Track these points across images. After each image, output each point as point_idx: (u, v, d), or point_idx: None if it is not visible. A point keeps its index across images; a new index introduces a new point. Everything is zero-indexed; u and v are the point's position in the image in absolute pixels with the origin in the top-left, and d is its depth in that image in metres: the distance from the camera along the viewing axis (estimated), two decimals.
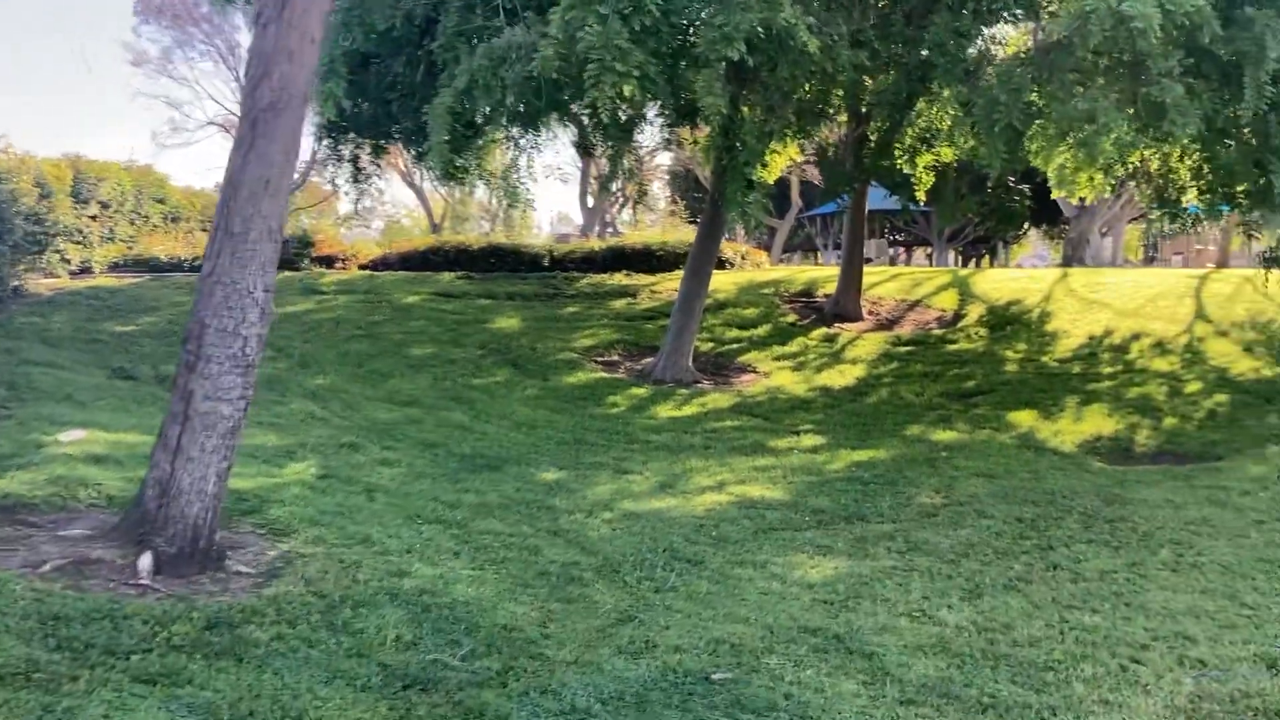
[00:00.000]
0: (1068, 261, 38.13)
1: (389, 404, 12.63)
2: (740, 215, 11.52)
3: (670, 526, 8.03)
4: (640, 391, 14.62)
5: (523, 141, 11.12)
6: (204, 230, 24.81)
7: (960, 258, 57.82)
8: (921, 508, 8.90)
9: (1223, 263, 34.64)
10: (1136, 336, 19.61)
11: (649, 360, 16.46)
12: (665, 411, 13.58)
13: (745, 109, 11.38)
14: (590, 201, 44.55)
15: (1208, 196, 15.54)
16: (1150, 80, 9.11)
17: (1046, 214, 51.90)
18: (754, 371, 16.81)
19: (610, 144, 11.38)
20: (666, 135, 12.66)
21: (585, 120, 11.71)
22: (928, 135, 14.96)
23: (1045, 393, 15.42)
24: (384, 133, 13.45)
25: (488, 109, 10.52)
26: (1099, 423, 13.60)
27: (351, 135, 13.13)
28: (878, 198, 47.55)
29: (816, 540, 7.75)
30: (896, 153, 16.72)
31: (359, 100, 12.54)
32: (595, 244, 24.90)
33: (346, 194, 16.47)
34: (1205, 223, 19.98)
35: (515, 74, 9.92)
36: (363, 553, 6.41)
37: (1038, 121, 9.60)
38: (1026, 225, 61.00)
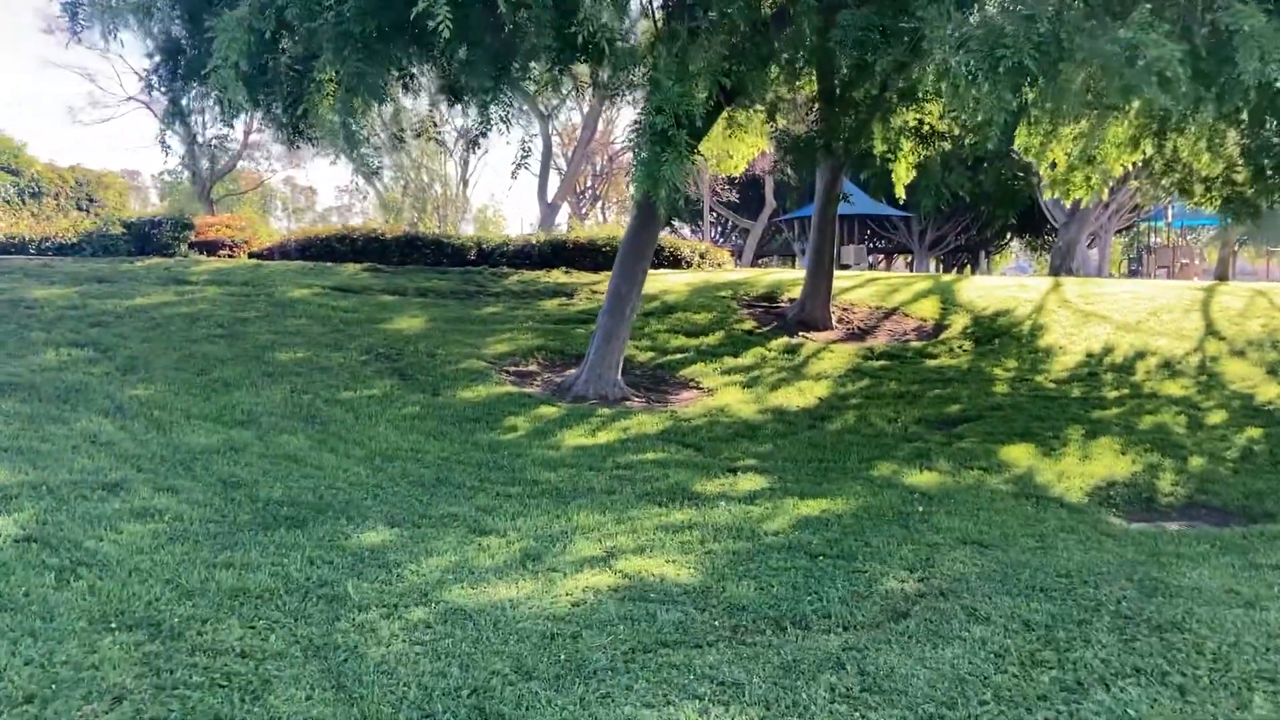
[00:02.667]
0: (1055, 271, 35.75)
1: (214, 424, 9.84)
2: (651, 187, 8.81)
3: (505, 639, 5.29)
4: (550, 411, 11.87)
5: (362, 82, 8.37)
6: (80, 210, 21.96)
7: (941, 266, 55.56)
8: (887, 601, 6.19)
9: (1223, 275, 32.25)
10: (1141, 354, 17.06)
11: (572, 372, 13.74)
12: (573, 438, 10.83)
13: (658, 41, 8.74)
14: (550, 195, 41.78)
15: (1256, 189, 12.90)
16: (1217, 3, 6.56)
17: (1030, 223, 50.00)
18: (696, 388, 14.10)
19: (480, 85, 8.68)
20: (553, 76, 9.89)
21: (442, 51, 9.01)
22: (909, 92, 12.23)
23: (1042, 421, 12.79)
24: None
25: (305, 27, 7.80)
26: (1110, 462, 10.96)
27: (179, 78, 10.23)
28: (862, 205, 45.43)
29: (722, 670, 5.01)
30: (861, 115, 13.93)
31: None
32: (534, 237, 22.13)
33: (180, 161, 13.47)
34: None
35: None
36: None
37: (1065, 57, 6.90)
38: (1009, 235, 59.28)
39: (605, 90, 10.67)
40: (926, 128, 15.56)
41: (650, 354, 15.51)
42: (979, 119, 8.73)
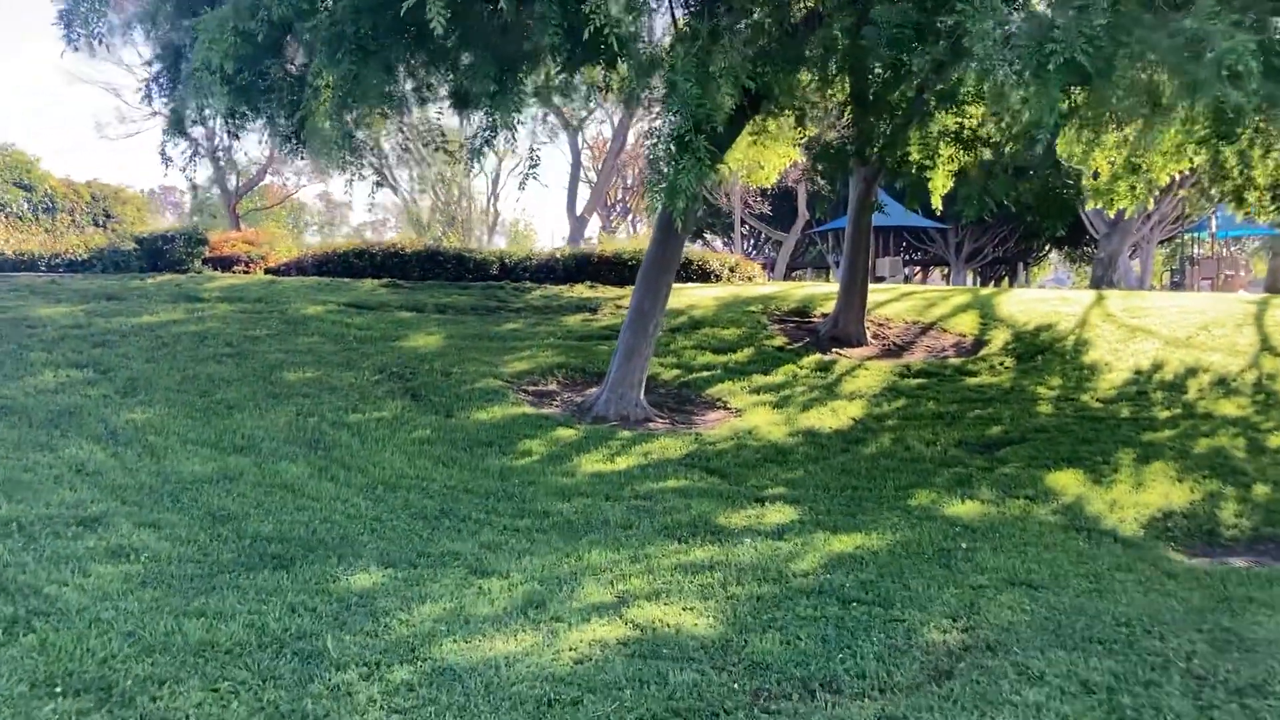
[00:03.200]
0: (1097, 284, 34.82)
1: (211, 450, 9.33)
2: (668, 198, 8.16)
3: (496, 706, 4.68)
4: (568, 433, 11.27)
5: (357, 86, 7.80)
6: (97, 226, 21.62)
7: (978, 279, 54.57)
8: (928, 658, 5.53)
9: (1274, 287, 31.18)
10: (1193, 371, 16.23)
11: (593, 391, 13.15)
12: (590, 464, 10.23)
13: (677, 42, 8.13)
14: (579, 209, 41.30)
15: None
16: None
17: (1069, 233, 48.91)
18: (724, 408, 13.47)
19: (487, 90, 8.09)
20: (566, 80, 9.26)
21: (443, 54, 8.43)
22: (948, 94, 11.49)
23: (1090, 444, 12.05)
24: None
25: (299, 29, 7.27)
26: (1166, 490, 10.23)
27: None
28: (897, 216, 44.60)
29: None
30: (897, 119, 13.21)
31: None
32: (559, 251, 21.59)
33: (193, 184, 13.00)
34: None
35: None
36: None
37: (1122, 51, 6.22)
38: (1048, 246, 58.20)
39: (620, 94, 10.07)
40: (967, 132, 14.84)
41: (676, 372, 14.90)
42: (1025, 121, 8.05)
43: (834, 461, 10.94)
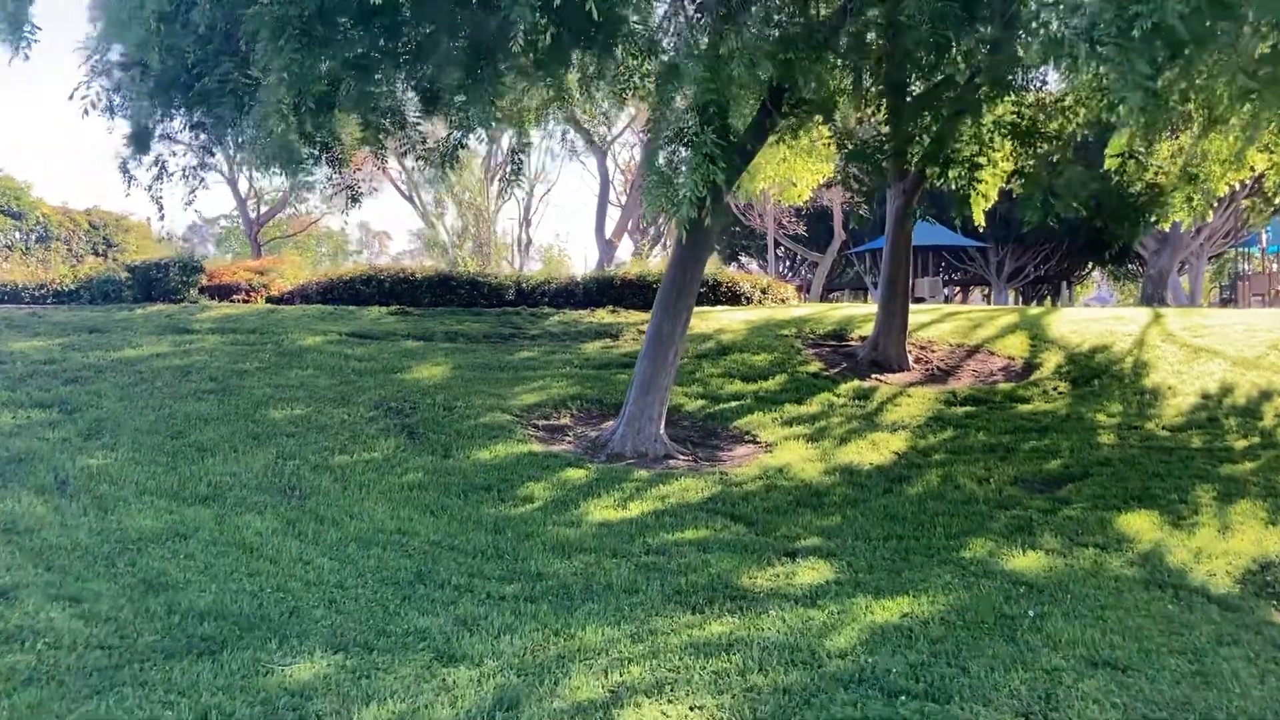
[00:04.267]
0: (1148, 301, 33.35)
1: (169, 500, 8.27)
2: (667, 202, 7.01)
3: None
4: (576, 475, 10.13)
5: (300, 79, 6.71)
6: (97, 256, 20.75)
7: (1020, 298, 53.05)
8: None
9: None
10: (1267, 395, 14.85)
11: (610, 425, 12.00)
12: (599, 511, 9.07)
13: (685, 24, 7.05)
14: (608, 232, 40.28)
15: None
16: None
17: (1115, 251, 47.36)
18: (753, 441, 12.29)
19: (457, 80, 7.04)
20: (552, 74, 8.11)
21: (402, 40, 7.35)
22: (1000, 80, 10.15)
23: (1162, 479, 10.76)
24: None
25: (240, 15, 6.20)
26: (1259, 535, 8.92)
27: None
28: (936, 235, 43.28)
29: None
30: (941, 110, 11.89)
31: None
32: (580, 275, 20.51)
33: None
34: None
35: None
36: None
37: (1221, 25, 5.02)
38: (1090, 264, 56.55)
39: (614, 85, 8.95)
40: (1026, 122, 13.49)
41: (701, 402, 13.74)
42: (1105, 103, 6.85)
43: (875, 504, 9.72)
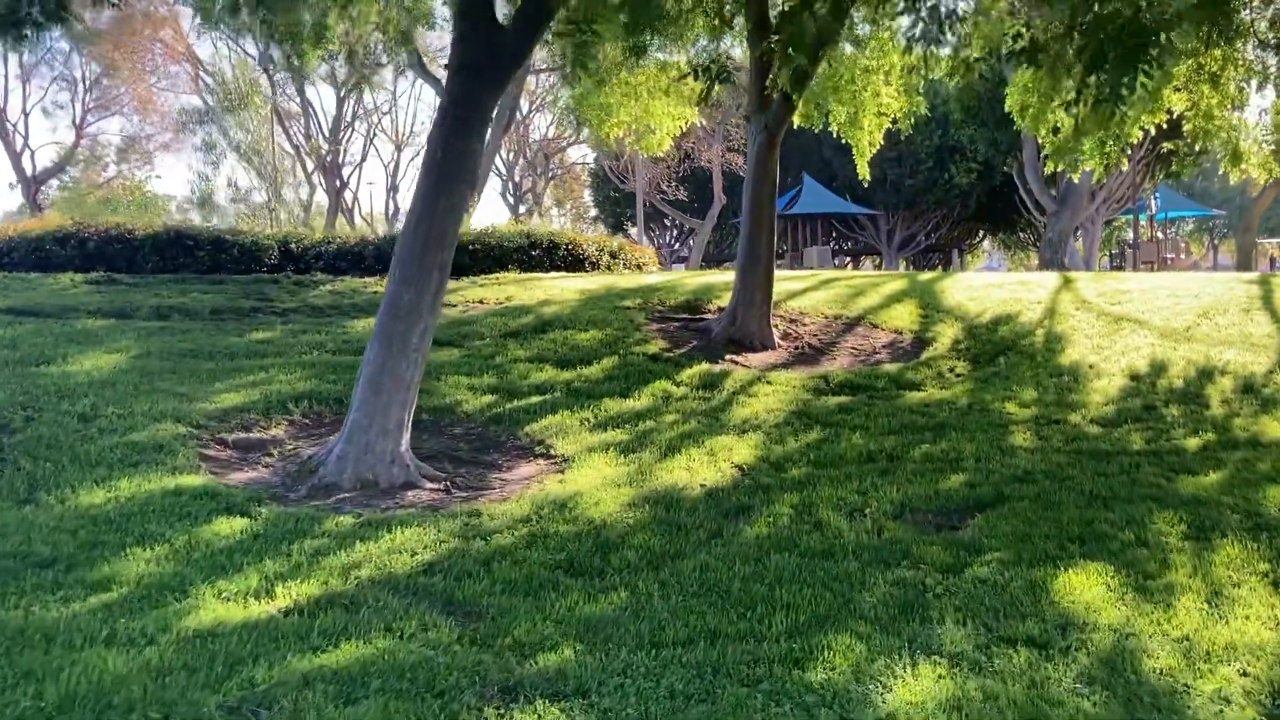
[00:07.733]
0: (1047, 265, 31.01)
1: None
2: None
3: None
4: (230, 527, 6.48)
5: None
6: None
7: (911, 267, 50.67)
8: None
9: (1245, 266, 27.43)
10: (1207, 374, 11.98)
11: (335, 438, 8.36)
12: (218, 603, 5.41)
13: None
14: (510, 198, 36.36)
15: None
16: None
17: (1003, 216, 45.47)
18: (545, 455, 8.81)
19: None
20: None
21: None
22: None
23: (1106, 505, 7.62)
24: None
25: None
26: (1267, 602, 5.76)
27: None
28: (824, 202, 40.37)
29: None
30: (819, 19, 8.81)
31: None
32: (373, 234, 16.74)
33: None
34: None
35: None
36: None
37: None
38: (981, 232, 54.71)
39: None
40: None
41: (490, 397, 10.23)
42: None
43: (687, 565, 6.26)
